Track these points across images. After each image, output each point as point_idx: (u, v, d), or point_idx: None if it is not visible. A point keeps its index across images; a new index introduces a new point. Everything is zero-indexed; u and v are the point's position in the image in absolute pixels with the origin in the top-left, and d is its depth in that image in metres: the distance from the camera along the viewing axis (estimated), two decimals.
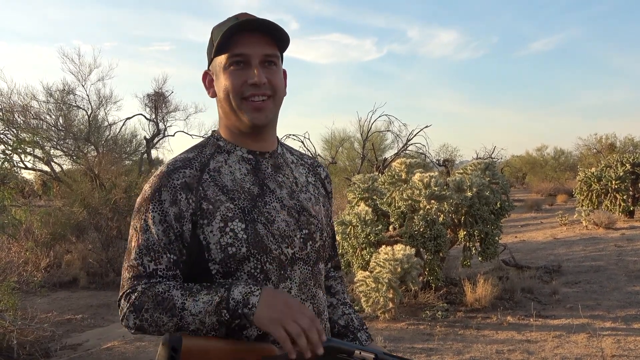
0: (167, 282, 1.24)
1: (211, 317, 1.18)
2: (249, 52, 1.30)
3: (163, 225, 1.25)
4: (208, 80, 1.38)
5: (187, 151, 1.36)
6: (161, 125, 18.55)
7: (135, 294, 1.22)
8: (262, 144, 1.38)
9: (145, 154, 18.31)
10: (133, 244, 1.26)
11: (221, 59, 1.32)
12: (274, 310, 1.18)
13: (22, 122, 14.58)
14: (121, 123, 17.78)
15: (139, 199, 1.30)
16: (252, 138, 1.37)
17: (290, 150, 1.51)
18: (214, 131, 1.42)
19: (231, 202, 1.28)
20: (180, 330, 1.20)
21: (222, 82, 1.32)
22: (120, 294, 1.26)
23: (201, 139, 1.44)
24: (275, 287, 1.29)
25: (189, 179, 1.27)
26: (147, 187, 1.29)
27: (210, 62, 1.36)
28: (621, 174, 13.00)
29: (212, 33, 1.35)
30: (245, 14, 1.31)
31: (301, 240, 1.36)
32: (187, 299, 1.20)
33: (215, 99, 1.38)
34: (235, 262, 1.26)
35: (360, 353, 1.28)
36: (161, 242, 1.24)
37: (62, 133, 15.44)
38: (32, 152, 13.58)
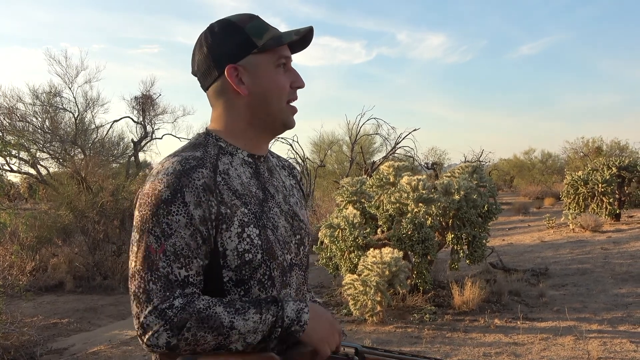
0: (206, 298, 1.16)
1: (260, 335, 1.17)
2: (290, 55, 1.33)
3: (190, 229, 1.16)
4: (237, 75, 1.28)
5: (189, 149, 1.27)
6: (149, 128, 18.50)
7: (173, 310, 1.11)
8: (261, 148, 1.37)
9: (133, 157, 18.23)
10: (154, 252, 1.14)
11: (268, 57, 1.29)
12: (321, 328, 1.25)
13: (7, 124, 14.47)
14: (108, 126, 17.72)
15: (151, 201, 1.16)
16: (261, 141, 1.36)
17: (271, 152, 1.49)
18: (209, 130, 1.33)
19: (245, 206, 1.24)
20: (219, 349, 1.16)
21: (270, 81, 1.29)
22: (148, 308, 1.12)
23: (193, 138, 1.34)
24: (278, 294, 1.29)
25: (208, 180, 1.20)
26: (161, 188, 1.16)
27: (240, 57, 1.27)
28: (607, 177, 13.11)
29: (243, 27, 1.28)
30: (256, 15, 1.33)
31: (296, 245, 1.36)
32: (235, 317, 1.15)
33: (238, 96, 1.29)
34: (250, 269, 1.23)
35: (344, 349, 1.35)
36: (190, 247, 1.16)
37: (49, 135, 15.34)
38: (17, 154, 13.47)
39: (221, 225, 1.19)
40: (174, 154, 1.25)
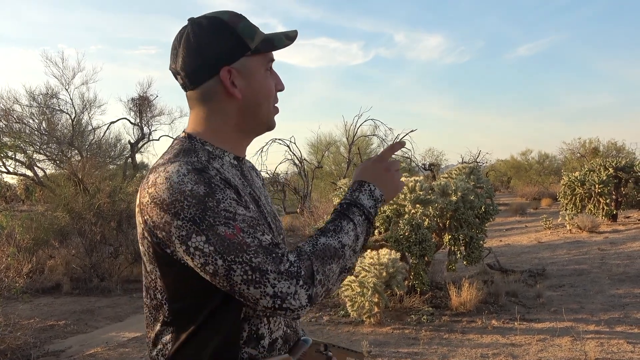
0: (305, 242, 1.19)
1: (362, 237, 1.25)
2: (274, 58, 1.33)
3: (242, 205, 1.14)
4: (230, 78, 1.24)
5: (183, 154, 1.20)
6: (146, 130, 18.51)
7: (294, 265, 1.10)
8: (244, 149, 1.36)
9: (130, 159, 18.23)
10: (234, 236, 1.09)
11: (259, 60, 1.27)
12: (385, 182, 1.33)
13: (4, 125, 14.45)
14: (105, 127, 17.73)
15: (191, 202, 1.09)
16: (245, 143, 1.35)
17: None
18: (191, 135, 1.27)
19: (251, 204, 1.23)
20: (342, 273, 1.20)
21: (261, 84, 1.28)
22: (270, 278, 1.08)
23: (177, 144, 1.27)
24: (350, 193, 1.32)
25: (220, 177, 1.16)
26: (191, 187, 1.10)
27: (234, 59, 1.24)
28: (604, 178, 13.14)
29: (235, 27, 1.24)
30: (242, 15, 1.29)
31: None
32: (339, 236, 1.20)
33: (230, 99, 1.26)
34: None
35: (321, 345, 1.41)
36: (255, 218, 1.14)
37: (45, 137, 15.33)
38: (14, 156, 13.46)
39: None
40: (170, 161, 1.19)
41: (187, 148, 1.23)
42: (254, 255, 1.09)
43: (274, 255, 1.10)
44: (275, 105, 1.34)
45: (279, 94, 1.35)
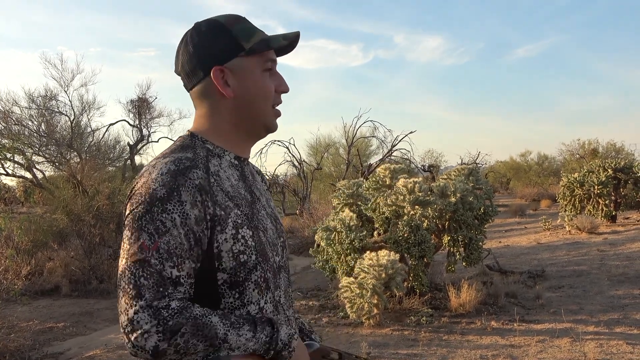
0: (202, 307, 1.13)
1: (249, 351, 1.17)
2: (275, 59, 1.34)
3: (184, 229, 1.12)
4: (222, 77, 1.27)
5: (179, 150, 1.24)
6: (145, 132, 18.52)
7: (169, 311, 1.07)
8: (245, 150, 1.37)
9: (129, 160, 18.22)
10: (147, 249, 1.10)
11: (256, 60, 1.29)
12: (302, 356, 1.28)
13: (3, 127, 14.44)
14: (104, 129, 17.73)
15: (145, 199, 1.13)
16: (245, 144, 1.35)
17: None
18: (192, 133, 1.31)
19: (237, 208, 1.23)
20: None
21: (256, 84, 1.29)
22: (139, 303, 1.06)
23: (178, 141, 1.31)
24: (272, 296, 1.28)
25: (203, 181, 1.18)
26: (156, 187, 1.13)
27: (227, 58, 1.27)
28: (603, 179, 13.13)
29: (230, 28, 1.27)
30: (243, 17, 1.32)
31: (281, 248, 1.36)
32: (230, 331, 1.13)
33: (223, 98, 1.28)
34: (245, 270, 1.21)
35: (330, 353, 1.41)
36: (183, 247, 1.12)
37: (44, 139, 15.32)
38: (12, 158, 13.45)
39: (216, 226, 1.17)
40: (164, 156, 1.23)
41: (186, 145, 1.27)
42: (144, 276, 1.08)
43: (162, 289, 1.08)
44: (276, 107, 1.35)
45: (283, 95, 1.36)
